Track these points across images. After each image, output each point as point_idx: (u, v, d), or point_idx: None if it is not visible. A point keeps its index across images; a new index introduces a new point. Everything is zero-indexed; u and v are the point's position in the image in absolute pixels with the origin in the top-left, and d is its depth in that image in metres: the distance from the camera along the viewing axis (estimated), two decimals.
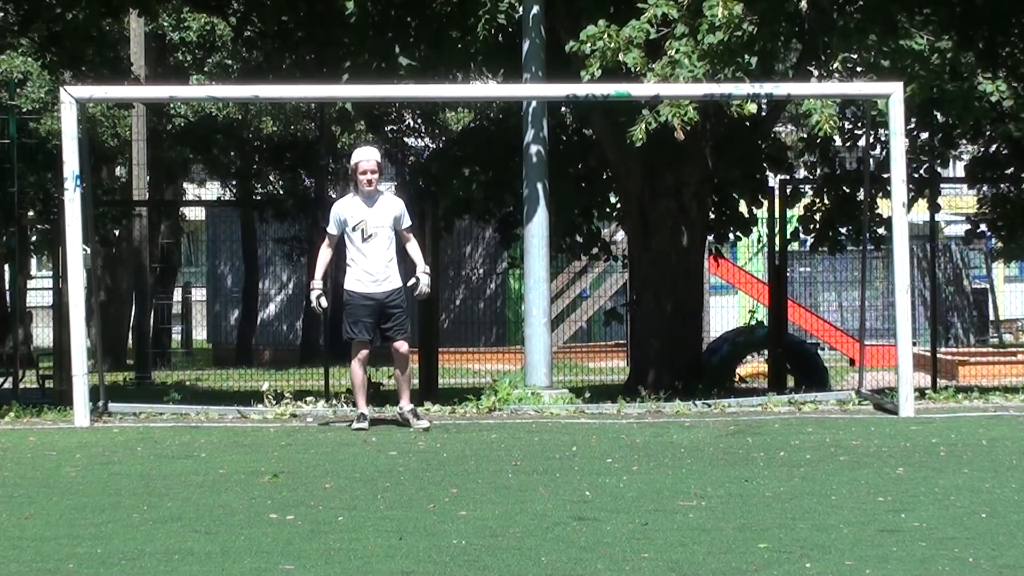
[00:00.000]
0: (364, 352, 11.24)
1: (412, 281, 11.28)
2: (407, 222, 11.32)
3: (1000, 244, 20.30)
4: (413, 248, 11.35)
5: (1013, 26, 15.51)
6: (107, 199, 27.17)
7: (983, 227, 18.62)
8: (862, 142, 16.24)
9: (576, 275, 26.96)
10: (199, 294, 36.04)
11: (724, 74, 12.58)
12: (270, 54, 19.87)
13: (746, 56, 12.67)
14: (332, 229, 11.21)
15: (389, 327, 11.18)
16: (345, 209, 11.16)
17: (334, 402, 13.05)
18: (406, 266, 11.42)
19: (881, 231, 16.77)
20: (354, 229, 11.09)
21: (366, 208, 11.11)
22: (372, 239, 11.08)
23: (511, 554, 6.06)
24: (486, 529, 6.64)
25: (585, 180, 17.54)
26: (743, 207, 17.39)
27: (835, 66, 13.53)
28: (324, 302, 11.32)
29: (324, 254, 11.28)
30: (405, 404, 11.36)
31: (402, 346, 11.25)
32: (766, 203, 17.22)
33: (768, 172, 17.62)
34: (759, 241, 21.87)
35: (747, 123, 15.48)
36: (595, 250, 18.30)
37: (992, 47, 15.41)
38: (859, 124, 17.28)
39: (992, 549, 6.12)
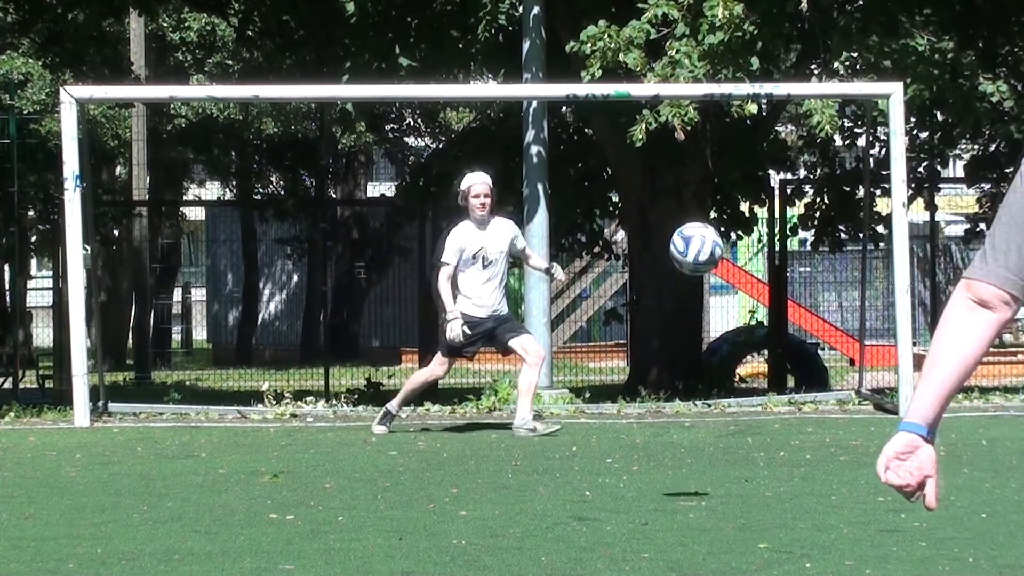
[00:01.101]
0: (442, 370, 10.95)
1: (551, 267, 11.16)
2: (522, 243, 11.07)
3: None
4: (534, 258, 11.30)
5: (1013, 25, 15.50)
6: (107, 199, 27.17)
7: (982, 227, 18.61)
8: (862, 140, 16.23)
9: (576, 275, 26.96)
10: (199, 294, 36.04)
11: (724, 74, 12.58)
12: (270, 54, 19.87)
13: (747, 57, 12.66)
14: (450, 259, 10.67)
15: (501, 335, 10.78)
16: (463, 238, 10.72)
17: (334, 402, 13.05)
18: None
19: (880, 229, 16.77)
20: (474, 257, 10.71)
21: (482, 234, 10.76)
22: (492, 265, 10.73)
23: (511, 554, 6.05)
24: (486, 529, 6.64)
25: (586, 179, 17.54)
26: (744, 206, 17.38)
27: (836, 66, 13.54)
28: (467, 329, 10.65)
29: (446, 286, 10.66)
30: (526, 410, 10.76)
31: (534, 346, 10.76)
32: (766, 203, 17.24)
33: (770, 171, 17.62)
34: (759, 241, 21.87)
35: (748, 123, 15.47)
36: (596, 249, 18.31)
37: (992, 47, 15.41)
38: (859, 122, 17.28)
39: (992, 549, 6.11)
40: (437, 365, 11.01)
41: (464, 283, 10.72)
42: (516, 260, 11.65)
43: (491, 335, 10.85)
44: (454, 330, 10.55)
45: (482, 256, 10.71)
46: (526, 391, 10.68)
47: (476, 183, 10.81)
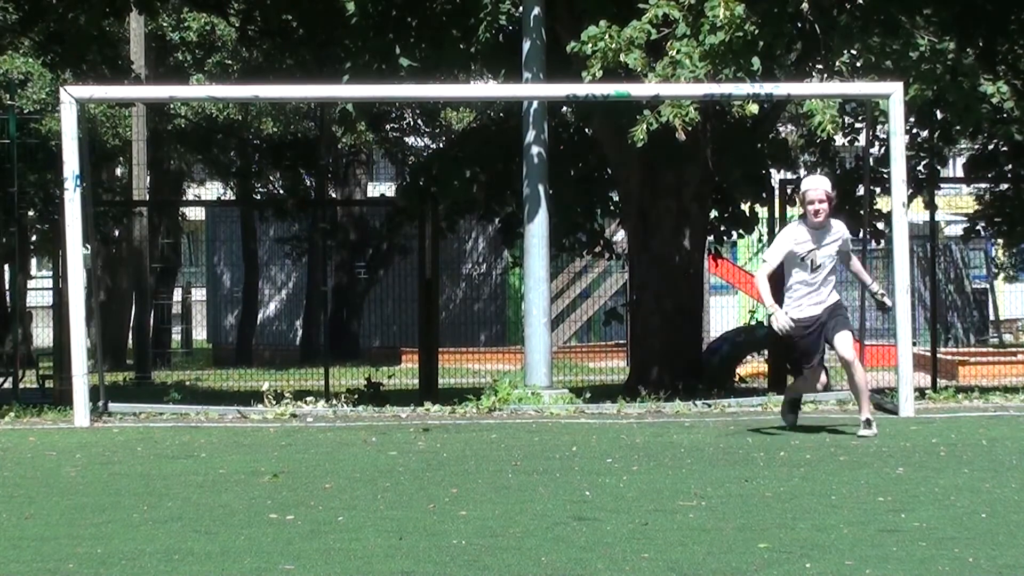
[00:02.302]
0: (822, 378, 10.70)
1: (880, 295, 10.80)
2: (850, 246, 10.90)
3: (1002, 255, 20.34)
4: (857, 266, 10.98)
5: (1012, 25, 15.51)
6: (107, 199, 27.18)
7: (980, 226, 18.62)
8: (862, 137, 16.24)
9: (576, 275, 26.99)
10: (199, 294, 36.05)
11: (725, 74, 12.58)
12: (270, 54, 19.89)
13: (748, 57, 12.66)
14: (776, 257, 10.62)
15: (832, 326, 10.57)
16: (794, 238, 10.61)
17: (334, 402, 13.05)
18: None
19: (880, 226, 16.79)
20: (802, 259, 10.58)
21: (815, 239, 10.60)
22: (820, 269, 10.59)
23: (511, 554, 6.05)
24: (486, 529, 6.64)
25: (586, 179, 17.55)
26: (745, 205, 17.40)
27: (836, 66, 13.54)
28: (787, 321, 10.41)
29: (766, 284, 10.56)
30: (862, 414, 10.59)
31: (844, 349, 10.51)
32: (766, 203, 17.25)
33: (772, 169, 17.63)
34: (759, 241, 21.88)
35: (748, 123, 15.48)
36: (598, 248, 18.32)
37: (991, 47, 15.42)
38: (859, 118, 17.28)
39: (992, 549, 6.11)
40: (812, 382, 10.81)
41: (794, 280, 10.63)
42: (517, 259, 11.61)
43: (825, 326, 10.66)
44: (781, 321, 10.40)
45: (811, 259, 10.57)
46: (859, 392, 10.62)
47: (812, 188, 10.61)
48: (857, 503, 7.34)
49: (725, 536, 6.43)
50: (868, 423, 10.41)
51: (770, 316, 10.52)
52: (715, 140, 16.10)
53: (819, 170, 17.81)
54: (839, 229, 10.75)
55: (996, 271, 30.93)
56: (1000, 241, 23.75)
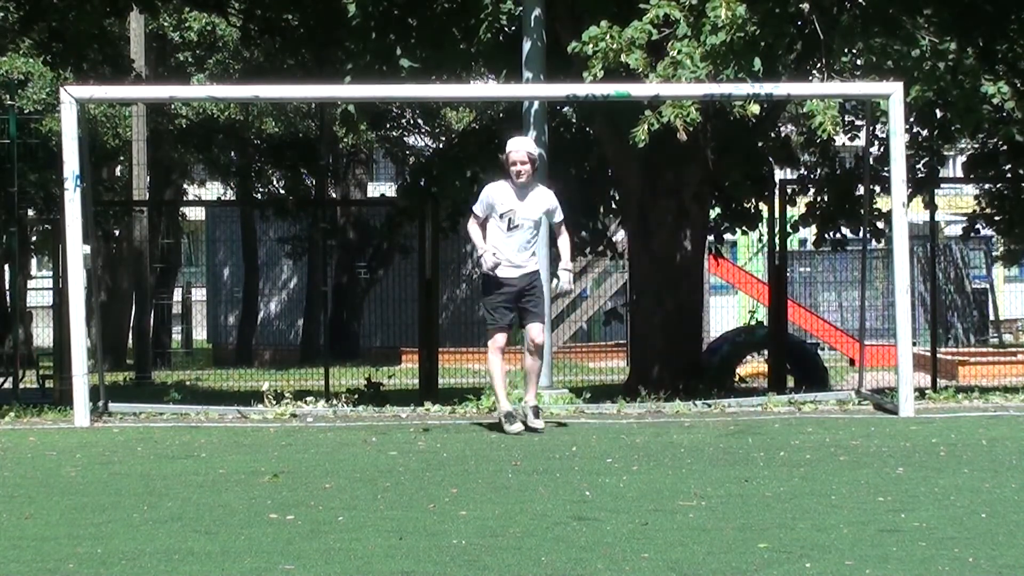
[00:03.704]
0: (501, 338, 10.91)
1: (554, 282, 10.99)
2: (559, 216, 11.00)
3: (1001, 246, 20.38)
4: (563, 243, 11.03)
5: (1012, 24, 15.51)
6: (107, 199, 27.18)
7: (979, 225, 18.63)
8: (862, 135, 16.24)
9: (576, 275, 26.97)
10: (199, 294, 36.07)
11: (726, 75, 12.58)
12: (271, 54, 19.89)
13: (750, 57, 12.66)
14: (479, 211, 10.84)
15: (526, 307, 10.84)
16: (495, 194, 10.80)
17: (334, 402, 13.04)
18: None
19: (880, 225, 16.80)
20: (501, 217, 10.76)
21: (516, 198, 10.78)
22: (517, 230, 10.77)
23: (511, 554, 6.06)
24: (486, 529, 6.64)
25: (588, 178, 17.56)
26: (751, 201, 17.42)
27: (837, 67, 13.54)
28: (493, 259, 10.70)
29: (476, 229, 10.86)
30: (529, 399, 11.00)
31: (537, 332, 10.86)
32: (766, 204, 17.26)
33: (775, 167, 17.64)
34: (759, 241, 21.89)
35: (750, 123, 15.48)
36: (600, 248, 18.32)
37: (991, 47, 15.42)
38: (859, 115, 17.29)
39: (992, 549, 6.12)
40: (489, 342, 11.07)
41: (492, 240, 10.83)
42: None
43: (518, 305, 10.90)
44: (488, 262, 10.69)
45: (509, 218, 10.75)
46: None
47: (513, 150, 10.80)
48: (857, 503, 7.34)
49: (725, 536, 6.43)
50: (536, 411, 10.89)
51: (480, 257, 10.79)
52: (716, 140, 16.11)
53: (819, 170, 17.83)
54: (546, 197, 10.94)
55: (995, 260, 30.92)
56: (1000, 240, 23.75)
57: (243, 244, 32.63)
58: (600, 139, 16.38)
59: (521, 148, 10.84)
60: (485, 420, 11.86)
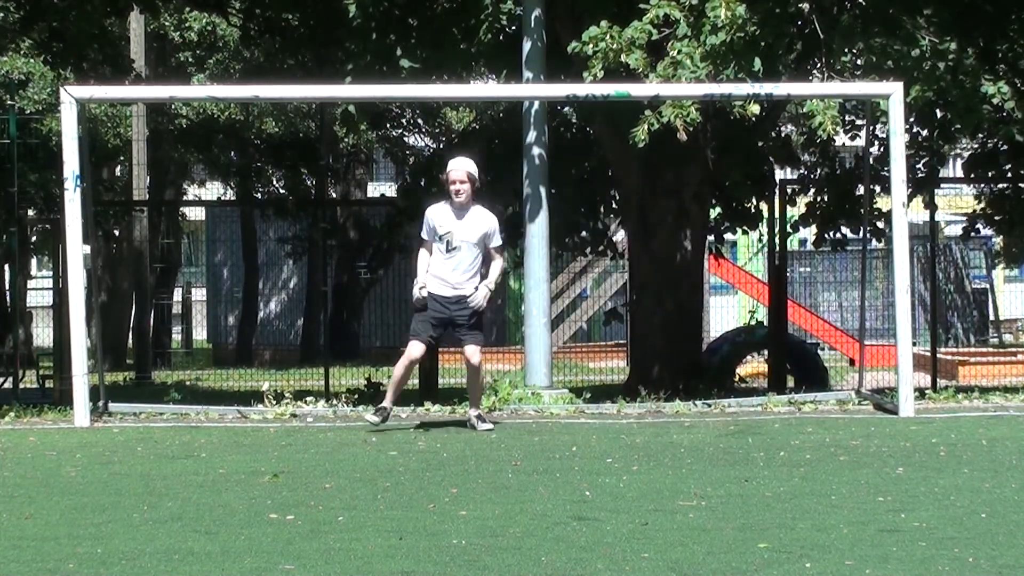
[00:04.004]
0: (416, 352, 11.04)
1: (471, 292, 11.04)
2: (497, 241, 11.06)
3: (1000, 245, 20.39)
4: (494, 265, 11.09)
5: (1012, 24, 15.51)
6: (107, 199, 27.18)
7: (979, 225, 18.62)
8: (862, 134, 16.25)
9: (576, 275, 26.98)
10: (199, 294, 36.06)
11: (726, 75, 12.58)
12: (271, 54, 19.89)
13: (750, 57, 12.65)
14: (424, 234, 10.98)
15: (460, 330, 11.03)
16: (435, 216, 10.92)
17: (334, 402, 13.04)
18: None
19: (880, 225, 16.80)
20: (440, 239, 10.87)
21: (455, 219, 10.88)
22: (456, 252, 10.87)
23: (511, 554, 6.06)
24: (486, 529, 6.64)
25: (588, 178, 17.55)
26: (751, 200, 17.42)
27: (837, 66, 13.54)
28: (424, 292, 10.94)
29: (423, 256, 11.00)
30: (471, 411, 11.24)
31: (472, 353, 11.05)
32: (765, 204, 17.26)
33: (776, 166, 17.63)
34: (759, 241, 21.89)
35: (749, 123, 15.48)
36: (601, 248, 18.31)
37: (992, 47, 15.41)
38: (859, 114, 17.28)
39: (992, 549, 6.12)
40: (406, 351, 11.22)
41: (433, 260, 11.01)
42: (518, 260, 11.68)
43: (453, 326, 11.13)
44: (416, 293, 10.96)
45: (447, 240, 10.89)
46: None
47: (453, 169, 10.96)
48: (857, 503, 7.34)
49: (725, 536, 6.43)
50: (480, 418, 11.16)
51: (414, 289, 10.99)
52: (716, 140, 16.11)
53: (819, 170, 17.83)
54: (486, 220, 11.00)
55: (996, 255, 30.91)
56: (1000, 239, 23.76)
57: (243, 244, 32.62)
58: (600, 139, 16.38)
59: (460, 168, 10.94)
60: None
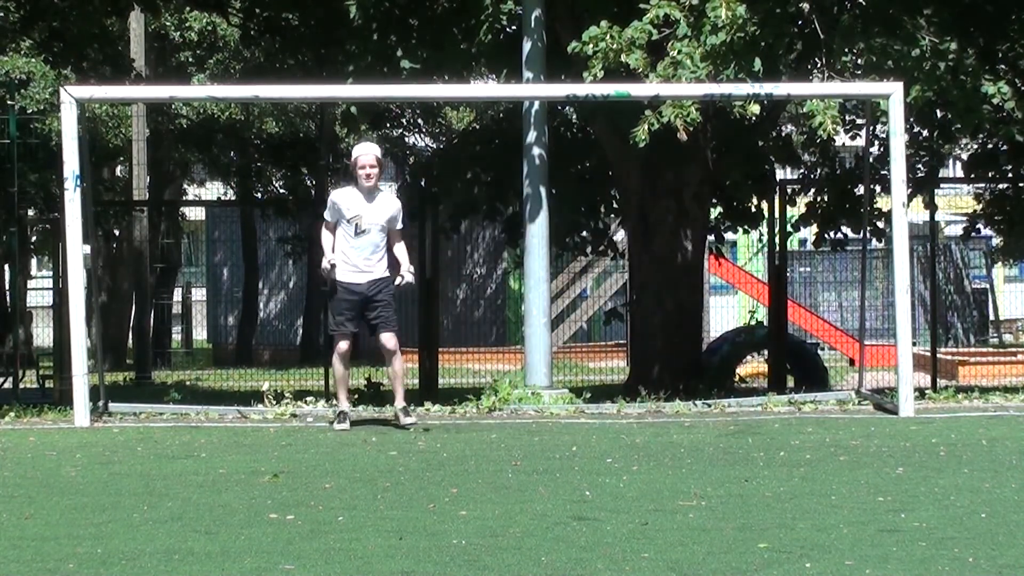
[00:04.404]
0: (344, 346, 11.20)
1: (398, 280, 11.15)
2: (399, 224, 11.27)
3: (1000, 242, 20.38)
4: (400, 250, 11.25)
5: (1013, 24, 15.51)
6: (107, 199, 27.17)
7: (980, 224, 18.62)
8: (862, 134, 16.25)
9: (576, 275, 26.98)
10: (199, 294, 36.05)
11: (727, 75, 12.57)
12: (271, 53, 19.88)
13: (750, 57, 12.65)
14: (328, 216, 11.18)
15: (374, 317, 11.14)
16: (343, 200, 11.12)
17: (334, 402, 13.04)
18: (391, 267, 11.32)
19: (881, 224, 16.80)
20: (348, 222, 11.05)
21: (364, 203, 11.08)
22: (364, 235, 11.05)
23: (511, 554, 6.06)
24: (486, 529, 6.64)
25: (588, 178, 17.55)
26: (752, 200, 17.42)
27: (838, 66, 13.53)
28: (329, 266, 11.07)
29: (327, 236, 11.19)
30: (396, 403, 11.30)
31: (388, 339, 11.14)
32: (765, 203, 17.26)
33: (776, 165, 17.63)
34: (759, 241, 21.88)
35: (749, 123, 15.48)
36: (601, 247, 18.31)
37: (992, 47, 15.41)
38: (860, 114, 17.28)
39: (992, 549, 6.12)
40: (334, 349, 11.34)
41: (339, 246, 11.13)
42: (518, 260, 11.72)
43: (365, 316, 11.18)
44: (325, 264, 11.09)
45: (356, 223, 11.03)
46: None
47: (363, 154, 11.13)
48: (857, 503, 7.34)
49: (725, 536, 6.43)
50: (405, 411, 11.18)
51: (322, 267, 11.12)
52: (716, 140, 16.10)
53: (820, 170, 17.83)
54: (392, 203, 11.24)
55: (995, 251, 30.88)
56: (1000, 239, 23.73)
57: (243, 244, 32.61)
58: (600, 139, 16.37)
59: (369, 152, 11.16)
60: (485, 420, 11.87)
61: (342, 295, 11.10)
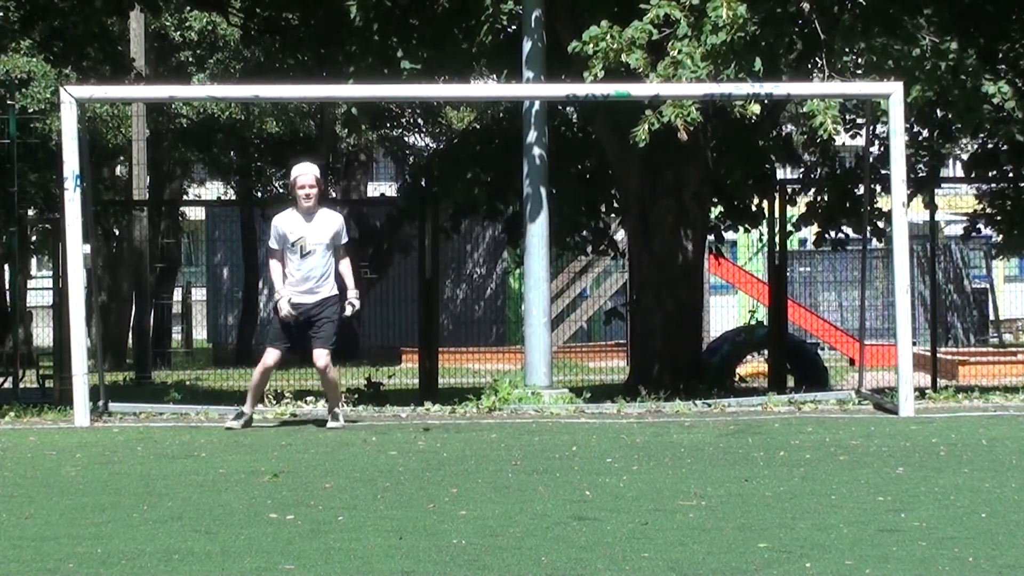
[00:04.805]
0: (273, 359, 11.23)
1: (347, 309, 11.18)
2: (344, 239, 11.26)
3: (1000, 238, 20.40)
4: (345, 268, 11.24)
5: (1013, 24, 15.52)
6: (107, 199, 27.16)
7: (981, 224, 18.62)
8: (862, 134, 16.26)
9: (576, 275, 26.98)
10: (199, 294, 36.03)
11: (727, 75, 12.57)
12: (271, 53, 19.88)
13: (750, 57, 12.65)
14: (274, 244, 11.23)
15: (312, 331, 11.16)
16: (284, 224, 11.14)
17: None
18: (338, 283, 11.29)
19: (881, 224, 16.80)
20: (293, 245, 11.07)
21: (305, 224, 11.09)
22: (310, 256, 11.07)
23: (511, 554, 6.06)
24: (486, 529, 6.64)
25: (589, 177, 17.55)
26: (752, 200, 17.41)
27: (838, 66, 13.54)
28: (288, 307, 11.10)
29: (276, 267, 11.23)
30: (323, 411, 11.40)
31: (318, 357, 11.14)
32: (766, 203, 17.25)
33: (776, 165, 17.63)
34: (759, 241, 21.88)
35: (749, 122, 15.48)
36: (602, 247, 18.30)
37: (992, 46, 15.42)
38: (860, 114, 17.28)
39: (992, 549, 6.12)
40: (262, 358, 11.35)
41: (287, 268, 11.19)
42: (518, 260, 11.71)
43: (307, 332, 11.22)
44: (283, 309, 11.09)
45: (300, 245, 11.07)
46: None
47: (301, 174, 11.14)
48: (857, 503, 7.34)
49: (725, 536, 6.43)
50: (334, 416, 11.23)
51: (276, 302, 11.12)
52: (716, 139, 16.10)
53: (820, 170, 17.82)
54: (334, 220, 11.20)
55: (994, 247, 30.86)
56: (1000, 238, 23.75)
57: (243, 244, 32.61)
58: (601, 139, 16.37)
59: (308, 172, 11.15)
60: (485, 420, 11.87)
61: (286, 314, 11.11)
